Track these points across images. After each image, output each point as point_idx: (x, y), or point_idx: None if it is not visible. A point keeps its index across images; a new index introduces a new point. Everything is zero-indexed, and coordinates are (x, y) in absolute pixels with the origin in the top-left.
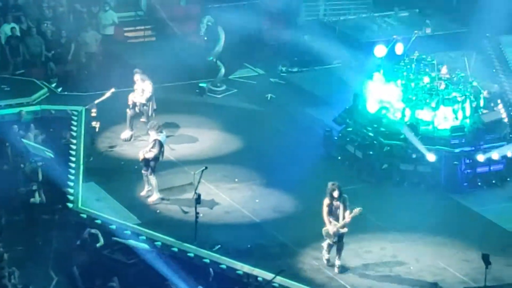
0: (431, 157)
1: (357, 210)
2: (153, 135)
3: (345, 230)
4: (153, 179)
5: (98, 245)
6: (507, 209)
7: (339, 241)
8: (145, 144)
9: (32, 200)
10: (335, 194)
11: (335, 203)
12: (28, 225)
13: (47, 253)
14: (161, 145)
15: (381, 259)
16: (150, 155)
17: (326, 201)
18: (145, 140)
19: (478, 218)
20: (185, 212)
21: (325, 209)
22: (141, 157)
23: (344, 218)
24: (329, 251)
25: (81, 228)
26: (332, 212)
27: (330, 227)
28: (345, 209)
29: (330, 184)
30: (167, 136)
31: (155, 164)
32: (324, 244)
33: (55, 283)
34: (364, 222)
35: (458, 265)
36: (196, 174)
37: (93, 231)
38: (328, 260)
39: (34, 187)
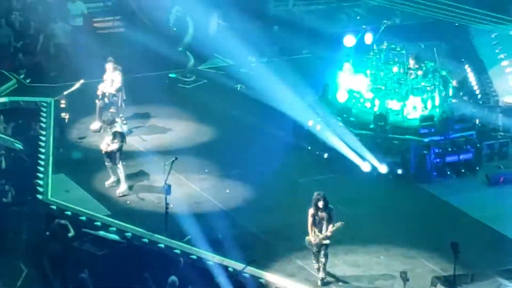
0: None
1: (338, 224)
2: (115, 125)
3: (327, 242)
4: (120, 170)
5: (69, 235)
6: (476, 198)
7: (323, 254)
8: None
9: (4, 200)
10: (320, 204)
11: (320, 213)
12: None
13: (17, 245)
14: (122, 136)
15: (350, 248)
16: (113, 147)
17: (311, 211)
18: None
19: (448, 207)
20: (168, 206)
21: (309, 219)
22: (103, 149)
23: (327, 229)
24: (317, 260)
25: (51, 220)
26: (316, 223)
27: (312, 237)
28: (329, 221)
29: (315, 194)
30: (137, 127)
31: (120, 155)
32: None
33: (25, 275)
34: (334, 212)
35: (428, 254)
36: (166, 165)
37: (62, 221)
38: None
39: (7, 188)
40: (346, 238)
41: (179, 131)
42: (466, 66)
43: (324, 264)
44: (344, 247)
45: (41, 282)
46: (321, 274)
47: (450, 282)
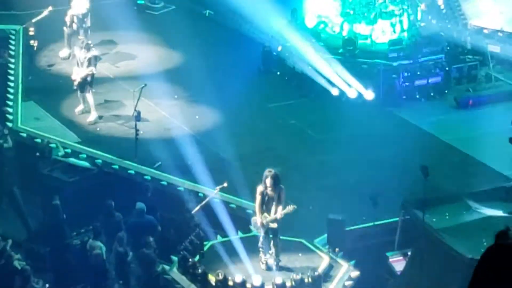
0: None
1: (290, 207)
2: (84, 52)
3: (274, 225)
4: (90, 97)
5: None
6: (445, 121)
7: (272, 236)
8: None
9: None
10: (268, 182)
11: (269, 192)
12: None
13: None
14: (96, 60)
15: (321, 172)
16: (88, 72)
17: (260, 188)
18: None
19: (417, 130)
20: (137, 133)
21: (257, 197)
22: (77, 79)
23: (276, 212)
24: (264, 250)
25: (20, 147)
26: (265, 202)
27: (259, 218)
28: (279, 203)
29: (266, 170)
30: (104, 54)
31: (92, 82)
32: (260, 241)
33: None
34: (304, 136)
35: (398, 177)
36: (135, 92)
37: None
38: (266, 263)
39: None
40: (315, 163)
41: (147, 57)
42: None
43: (277, 255)
44: (313, 169)
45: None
46: (271, 261)
47: (420, 205)
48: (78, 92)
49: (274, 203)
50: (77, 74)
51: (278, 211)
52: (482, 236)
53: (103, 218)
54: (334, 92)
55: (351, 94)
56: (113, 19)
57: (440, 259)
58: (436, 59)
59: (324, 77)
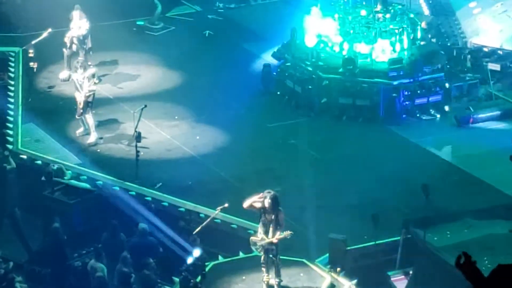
0: None
1: (286, 234)
2: (81, 72)
3: (271, 248)
4: (90, 118)
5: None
6: (446, 139)
7: (272, 256)
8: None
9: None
10: (266, 203)
11: (267, 215)
12: None
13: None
14: (94, 77)
15: (321, 192)
16: (89, 89)
17: (258, 204)
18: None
19: (417, 149)
20: (138, 154)
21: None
22: (81, 102)
23: (274, 235)
24: (265, 270)
25: (21, 169)
26: (263, 223)
27: (257, 238)
28: (276, 225)
29: (265, 192)
30: (104, 75)
31: (92, 102)
32: (261, 261)
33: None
34: (304, 156)
35: (399, 196)
36: (135, 113)
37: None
38: (267, 283)
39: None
40: (316, 183)
41: (148, 77)
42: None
43: (278, 275)
44: (316, 187)
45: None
46: (274, 282)
47: (421, 223)
48: (77, 114)
49: (271, 225)
50: (81, 97)
51: (276, 235)
52: (483, 254)
53: (107, 237)
54: None
55: None
56: (112, 40)
57: (442, 277)
58: (436, 78)
59: (325, 96)
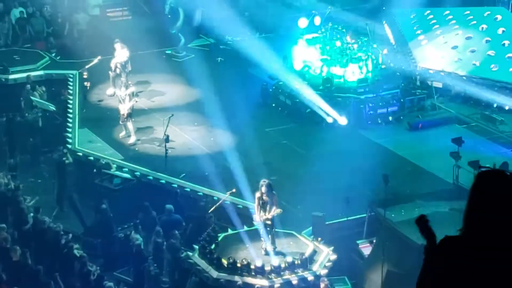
0: (343, 120)
1: (278, 211)
2: (124, 90)
3: (269, 222)
4: (130, 125)
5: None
6: (401, 140)
7: (269, 229)
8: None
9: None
10: (263, 189)
11: (265, 197)
12: (34, 163)
13: (51, 185)
14: (133, 95)
15: (306, 180)
16: (131, 104)
17: (257, 194)
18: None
19: (379, 147)
20: (167, 152)
21: (256, 201)
22: (125, 113)
23: (269, 212)
24: (263, 240)
25: (77, 164)
26: (261, 205)
27: (257, 216)
28: (271, 205)
29: (262, 180)
30: (140, 91)
31: (132, 113)
32: (260, 233)
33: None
34: (293, 153)
35: (365, 183)
36: (165, 120)
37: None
38: (265, 249)
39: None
40: (302, 173)
41: (174, 93)
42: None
43: (273, 243)
44: (302, 179)
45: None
46: (269, 247)
47: (382, 204)
48: (121, 121)
49: (268, 205)
50: (123, 109)
51: (271, 212)
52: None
53: (142, 215)
54: (329, 120)
55: (329, 120)
56: (147, 65)
57: (398, 245)
58: (393, 93)
59: (309, 107)
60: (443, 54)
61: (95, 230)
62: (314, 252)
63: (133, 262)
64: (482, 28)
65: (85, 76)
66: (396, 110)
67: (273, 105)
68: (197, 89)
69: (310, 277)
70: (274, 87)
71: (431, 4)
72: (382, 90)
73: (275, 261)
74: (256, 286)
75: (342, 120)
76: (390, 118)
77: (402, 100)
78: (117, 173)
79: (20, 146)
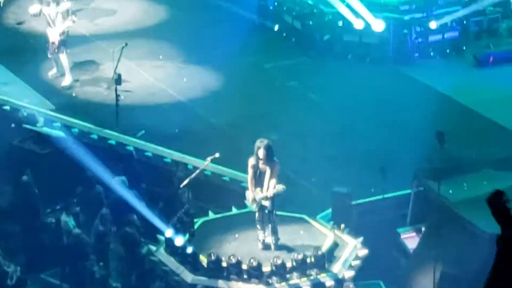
0: (379, 25)
1: (280, 188)
2: (54, 7)
3: (266, 203)
4: (64, 58)
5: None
6: (463, 81)
7: (268, 212)
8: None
9: None
10: (260, 154)
11: (262, 166)
12: None
13: None
14: (69, 14)
15: (323, 140)
16: (65, 26)
17: (251, 161)
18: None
19: (431, 92)
20: (118, 98)
21: (249, 171)
22: (55, 41)
23: (268, 188)
24: (261, 227)
25: None
26: (256, 176)
27: (251, 193)
28: (271, 177)
29: (258, 140)
30: (79, 9)
31: (66, 41)
32: (256, 218)
33: None
34: (304, 100)
35: (410, 145)
36: (115, 52)
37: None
38: (263, 242)
39: None
40: (317, 130)
41: (129, 12)
42: None
43: (275, 233)
44: (316, 139)
45: None
46: (269, 239)
47: (435, 175)
48: (50, 53)
49: (267, 178)
50: (53, 35)
51: (270, 189)
52: None
53: (82, 191)
54: (358, 24)
55: (358, 25)
56: None
57: (458, 235)
58: (452, 11)
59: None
60: None
61: (12, 212)
62: (335, 245)
63: (68, 260)
64: None
65: None
66: (457, 37)
67: (275, 29)
68: (163, 6)
69: (329, 282)
70: (276, 3)
71: None
72: (436, 7)
73: (278, 258)
74: None
75: (378, 25)
76: (448, 49)
77: (465, 22)
78: (45, 129)
79: None
